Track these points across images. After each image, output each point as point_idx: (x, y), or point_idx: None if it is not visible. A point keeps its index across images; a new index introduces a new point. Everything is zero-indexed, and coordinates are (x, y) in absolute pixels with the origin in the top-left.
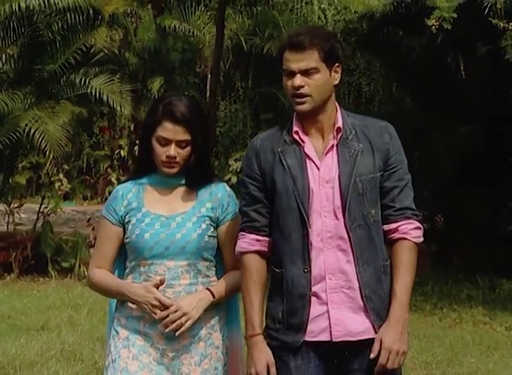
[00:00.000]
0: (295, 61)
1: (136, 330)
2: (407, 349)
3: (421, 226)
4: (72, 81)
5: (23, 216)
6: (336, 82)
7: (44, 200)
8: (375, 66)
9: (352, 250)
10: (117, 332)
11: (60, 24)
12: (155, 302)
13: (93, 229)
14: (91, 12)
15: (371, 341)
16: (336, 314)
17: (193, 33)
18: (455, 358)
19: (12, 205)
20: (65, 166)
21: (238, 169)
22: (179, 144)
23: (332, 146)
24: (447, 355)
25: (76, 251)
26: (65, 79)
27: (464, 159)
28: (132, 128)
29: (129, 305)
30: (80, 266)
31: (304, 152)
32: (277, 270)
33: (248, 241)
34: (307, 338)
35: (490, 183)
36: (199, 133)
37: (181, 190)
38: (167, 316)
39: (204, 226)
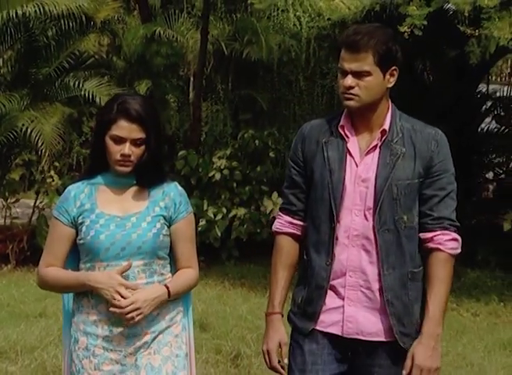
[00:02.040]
0: (349, 61)
1: (95, 336)
2: (439, 365)
3: (458, 237)
4: (66, 84)
5: (17, 210)
6: (391, 85)
7: (38, 195)
8: None
9: (377, 252)
10: (76, 340)
11: (54, 30)
12: (119, 288)
13: None
14: (84, 18)
15: (381, 343)
16: (351, 311)
17: (176, 38)
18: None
19: (8, 200)
20: (56, 164)
21: (222, 167)
22: (134, 142)
23: (375, 146)
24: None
25: None
26: (60, 81)
27: None
28: None
29: (85, 309)
30: None
31: (347, 147)
32: (305, 258)
33: (282, 222)
34: (318, 327)
35: (457, 178)
36: (153, 132)
37: (133, 189)
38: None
39: (158, 225)
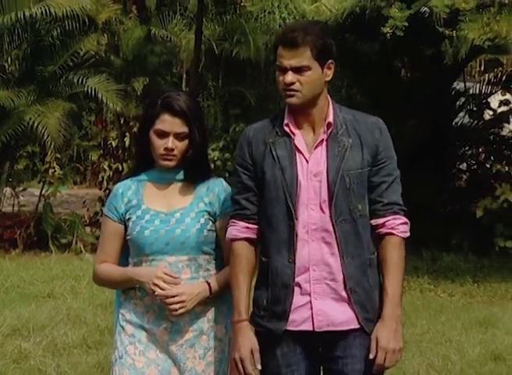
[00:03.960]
0: (287, 58)
1: (140, 326)
2: (402, 346)
3: (407, 221)
4: (70, 81)
5: (22, 198)
6: (329, 78)
7: (44, 184)
8: None
9: (337, 243)
10: (122, 328)
11: (59, 30)
12: (157, 281)
13: (87, 210)
14: (86, 19)
15: (353, 331)
16: (319, 304)
17: (170, 38)
18: (408, 320)
19: (16, 189)
20: (58, 155)
21: (215, 158)
22: (177, 136)
23: (322, 140)
24: (401, 318)
25: (73, 229)
26: (64, 78)
27: (410, 149)
28: (122, 121)
29: (133, 300)
30: (76, 242)
31: (294, 145)
32: (264, 259)
33: (238, 229)
34: (290, 328)
35: (433, 169)
36: (196, 127)
37: (179, 185)
38: (165, 297)
39: (202, 220)
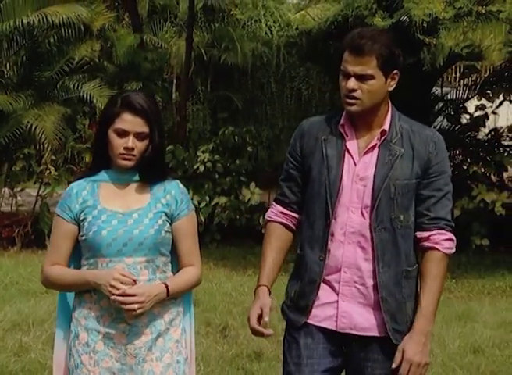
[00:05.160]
0: (352, 64)
1: (96, 331)
2: (429, 361)
3: (453, 237)
4: (66, 86)
5: (20, 198)
6: (392, 88)
7: (41, 185)
8: (313, 74)
9: (373, 250)
10: (76, 335)
11: (56, 37)
12: (115, 283)
13: None
14: (82, 27)
15: (375, 338)
16: (345, 306)
17: (161, 45)
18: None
19: (15, 189)
20: (53, 157)
21: (205, 160)
22: (138, 136)
23: (374, 146)
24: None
25: None
26: (61, 84)
27: None
28: None
29: (88, 304)
30: None
31: (345, 146)
32: (299, 252)
33: (274, 212)
34: (311, 322)
35: None
36: (157, 127)
37: (135, 185)
38: (124, 296)
39: (160, 221)
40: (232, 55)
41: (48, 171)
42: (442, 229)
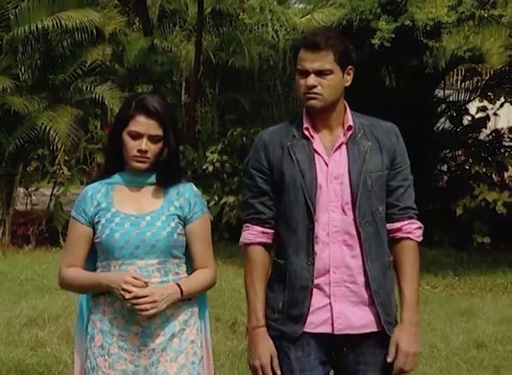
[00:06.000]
0: (310, 61)
1: (110, 334)
2: (420, 350)
3: (422, 225)
4: (80, 88)
5: (35, 198)
6: (348, 83)
7: (55, 185)
8: None
9: (360, 245)
10: (92, 337)
11: (69, 41)
12: (126, 286)
13: None
14: (94, 31)
15: (370, 334)
16: (339, 307)
17: (170, 49)
18: (396, 310)
19: (29, 189)
20: (66, 157)
21: (214, 160)
22: (151, 138)
23: (342, 143)
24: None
25: None
26: (74, 86)
27: None
28: None
29: (102, 307)
30: None
31: (313, 148)
32: (280, 261)
33: (254, 233)
34: (307, 329)
35: (417, 170)
36: (171, 130)
37: (149, 189)
38: (136, 298)
39: (173, 224)
40: (240, 59)
41: (61, 171)
42: (412, 218)
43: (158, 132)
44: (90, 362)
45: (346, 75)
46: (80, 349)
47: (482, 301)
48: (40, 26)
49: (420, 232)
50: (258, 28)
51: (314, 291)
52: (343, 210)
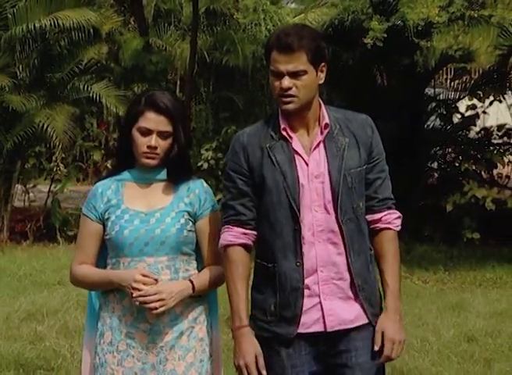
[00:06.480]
0: (283, 62)
1: (119, 331)
2: (405, 337)
3: (400, 215)
4: (77, 86)
5: (32, 194)
6: (322, 81)
7: (52, 182)
8: None
9: (344, 242)
10: (102, 334)
11: (66, 40)
12: (136, 285)
13: None
14: (91, 30)
15: (357, 328)
16: (329, 305)
17: (165, 48)
18: (380, 299)
19: (27, 186)
20: (63, 155)
21: (208, 157)
22: (161, 134)
23: (320, 142)
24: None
25: (79, 223)
26: (71, 84)
27: (388, 148)
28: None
29: (111, 304)
30: None
31: (292, 148)
32: (268, 265)
33: (234, 234)
34: (301, 330)
35: (408, 167)
36: (181, 126)
37: (159, 185)
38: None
39: (182, 220)
40: (234, 57)
41: (58, 168)
42: (391, 208)
43: (168, 128)
44: (99, 359)
45: (319, 73)
46: (89, 345)
47: (472, 296)
48: (37, 25)
49: (399, 221)
50: (252, 27)
51: (305, 291)
52: (326, 209)
